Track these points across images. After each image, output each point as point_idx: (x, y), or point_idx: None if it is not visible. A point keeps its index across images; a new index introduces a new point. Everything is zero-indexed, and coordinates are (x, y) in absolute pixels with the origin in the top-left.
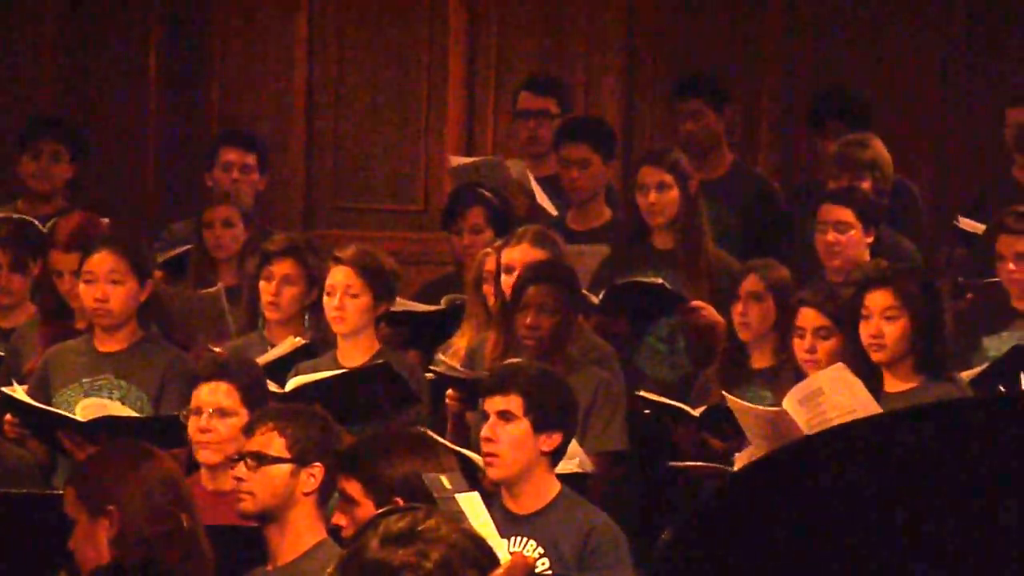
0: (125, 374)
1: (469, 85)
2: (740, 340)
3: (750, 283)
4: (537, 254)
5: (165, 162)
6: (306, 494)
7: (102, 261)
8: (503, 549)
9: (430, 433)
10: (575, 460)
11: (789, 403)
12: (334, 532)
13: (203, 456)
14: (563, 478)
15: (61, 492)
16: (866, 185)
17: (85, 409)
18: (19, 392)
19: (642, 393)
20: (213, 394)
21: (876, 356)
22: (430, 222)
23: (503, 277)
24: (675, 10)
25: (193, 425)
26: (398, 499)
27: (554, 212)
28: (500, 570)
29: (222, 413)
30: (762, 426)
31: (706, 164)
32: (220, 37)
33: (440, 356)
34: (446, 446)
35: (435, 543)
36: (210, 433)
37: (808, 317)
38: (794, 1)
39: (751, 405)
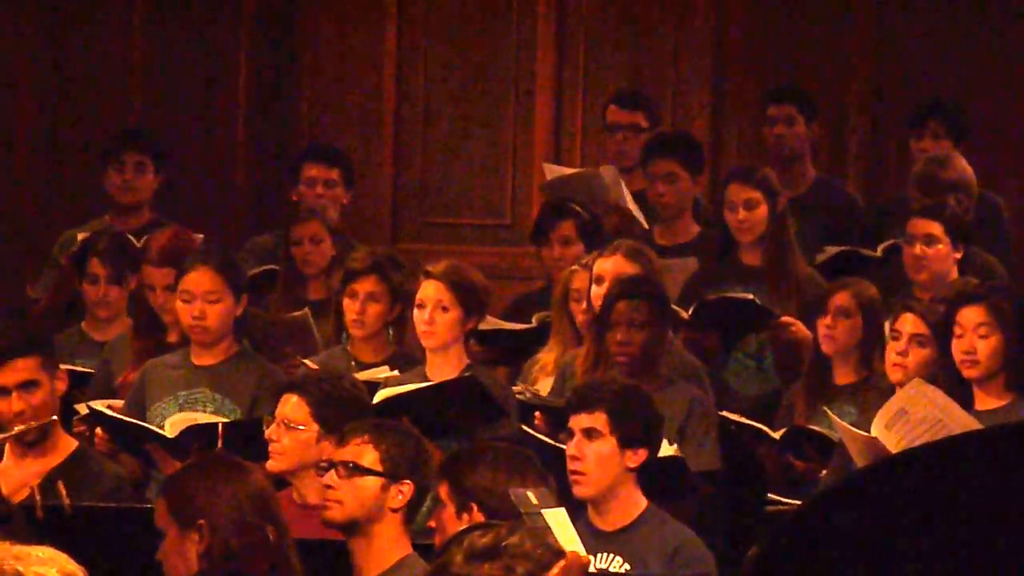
0: (220, 387)
1: (557, 99)
2: (824, 355)
3: (841, 298)
4: (629, 268)
5: (254, 177)
6: (393, 510)
7: (199, 279)
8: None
9: (529, 430)
10: (674, 446)
11: (877, 430)
12: (419, 548)
13: (269, 464)
14: (661, 461)
15: (152, 507)
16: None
17: (173, 425)
18: (104, 407)
19: (724, 413)
20: (284, 405)
21: (969, 372)
22: (517, 237)
23: (593, 288)
24: (763, 25)
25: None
26: (474, 504)
27: (644, 223)
28: (555, 570)
29: (287, 425)
30: (859, 447)
31: (790, 180)
32: (309, 52)
33: (522, 384)
34: (539, 451)
35: (520, 558)
36: (273, 443)
37: (908, 322)
38: (883, 16)
39: (848, 426)
